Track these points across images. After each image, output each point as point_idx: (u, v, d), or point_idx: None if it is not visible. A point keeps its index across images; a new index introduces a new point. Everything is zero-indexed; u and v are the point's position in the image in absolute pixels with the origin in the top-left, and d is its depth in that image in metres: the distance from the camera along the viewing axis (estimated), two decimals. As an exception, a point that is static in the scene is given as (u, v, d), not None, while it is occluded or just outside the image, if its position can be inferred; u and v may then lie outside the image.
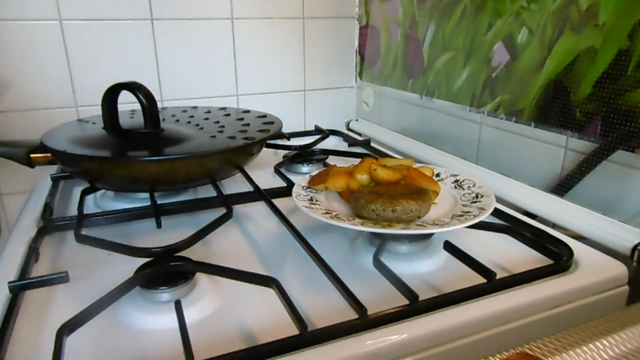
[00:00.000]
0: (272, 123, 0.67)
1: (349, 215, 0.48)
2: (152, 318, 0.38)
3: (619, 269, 0.44)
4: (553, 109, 0.57)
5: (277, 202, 0.56)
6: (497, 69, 0.65)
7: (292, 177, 0.64)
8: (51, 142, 0.57)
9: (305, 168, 0.73)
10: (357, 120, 1.04)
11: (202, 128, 0.65)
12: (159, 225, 0.51)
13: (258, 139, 0.59)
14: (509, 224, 0.52)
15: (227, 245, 0.51)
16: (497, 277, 0.40)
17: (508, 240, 0.49)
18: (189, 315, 0.37)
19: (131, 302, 0.39)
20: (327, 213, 0.47)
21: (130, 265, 0.42)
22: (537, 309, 0.40)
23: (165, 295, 0.39)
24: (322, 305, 0.39)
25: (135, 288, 0.39)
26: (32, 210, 0.58)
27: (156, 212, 0.53)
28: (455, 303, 0.38)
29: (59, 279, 0.41)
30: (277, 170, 0.69)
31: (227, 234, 0.53)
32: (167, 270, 0.41)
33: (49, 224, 0.53)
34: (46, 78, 0.78)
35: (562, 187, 0.58)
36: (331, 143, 0.90)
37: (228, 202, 0.54)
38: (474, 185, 0.53)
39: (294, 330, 0.34)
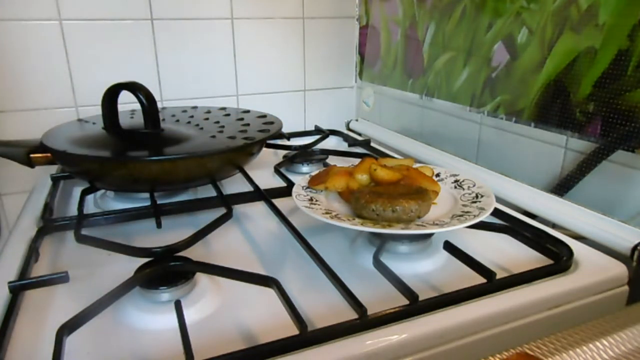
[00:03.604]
0: (272, 123, 0.67)
1: (349, 215, 0.48)
2: (152, 318, 0.38)
3: (619, 269, 0.44)
4: (553, 109, 0.57)
5: (277, 202, 0.56)
6: (497, 69, 0.65)
7: (292, 177, 0.64)
8: (51, 142, 0.57)
9: (305, 168, 0.73)
10: (357, 120, 1.04)
11: (202, 128, 0.65)
12: (159, 225, 0.51)
13: (258, 139, 0.59)
14: (509, 224, 0.52)
15: (227, 245, 0.51)
16: (497, 277, 0.40)
17: (508, 240, 0.49)
18: (189, 315, 0.37)
19: (131, 302, 0.39)
20: (327, 213, 0.47)
21: (130, 265, 0.42)
22: (537, 309, 0.40)
23: (165, 295, 0.39)
24: (322, 305, 0.39)
25: (135, 288, 0.39)
26: (32, 210, 0.58)
27: (156, 212, 0.53)
28: (455, 303, 0.38)
29: (59, 279, 0.41)
30: (277, 170, 0.69)
31: (227, 234, 0.53)
32: (167, 270, 0.41)
33: (49, 224, 0.53)
34: (46, 78, 0.78)
35: (562, 187, 0.58)
36: (331, 143, 0.90)
37: (228, 202, 0.54)
38: (474, 185, 0.53)
39: (294, 330, 0.34)
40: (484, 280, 0.41)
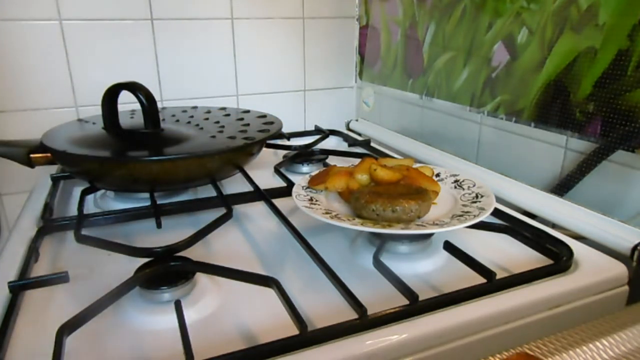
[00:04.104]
0: (272, 123, 0.67)
1: (349, 215, 0.48)
2: (152, 318, 0.38)
3: (619, 269, 0.44)
4: (553, 109, 0.57)
5: (277, 202, 0.56)
6: (497, 69, 0.65)
7: (292, 177, 0.64)
8: (51, 142, 0.57)
9: (305, 168, 0.73)
10: (357, 120, 1.04)
11: (202, 128, 0.65)
12: (159, 225, 0.51)
13: (258, 139, 0.59)
14: (509, 224, 0.52)
15: (227, 245, 0.51)
16: (497, 277, 0.40)
17: (508, 240, 0.49)
18: (189, 315, 0.37)
19: (131, 302, 0.39)
20: (327, 213, 0.47)
21: (130, 265, 0.42)
22: (537, 309, 0.40)
23: (165, 295, 0.39)
24: (322, 305, 0.39)
25: (135, 288, 0.39)
26: (32, 210, 0.58)
27: (156, 212, 0.53)
28: (455, 303, 0.38)
29: (59, 279, 0.41)
30: (277, 170, 0.69)
31: (227, 234, 0.53)
32: (167, 270, 0.41)
33: (49, 224, 0.53)
34: (46, 78, 0.78)
35: (562, 187, 0.58)
36: (331, 143, 0.90)
37: (228, 202, 0.54)
38: (474, 185, 0.53)
39: (294, 330, 0.34)
40: (484, 280, 0.41)
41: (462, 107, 0.72)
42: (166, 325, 0.37)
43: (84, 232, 0.48)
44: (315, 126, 0.97)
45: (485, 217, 0.45)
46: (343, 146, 0.89)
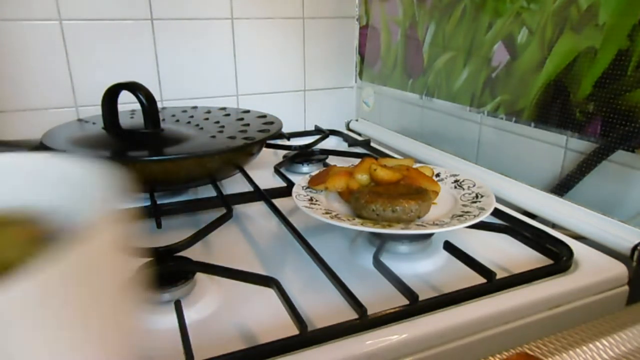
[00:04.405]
0: (272, 123, 0.67)
1: (349, 215, 0.48)
2: (152, 318, 0.38)
3: (619, 269, 0.44)
4: (553, 109, 0.57)
5: (277, 202, 0.56)
6: (497, 69, 0.65)
7: (292, 177, 0.64)
8: (51, 142, 0.57)
9: (305, 168, 0.73)
10: (357, 120, 1.04)
11: (202, 128, 0.65)
12: (158, 225, 0.51)
13: (258, 139, 0.59)
14: (509, 224, 0.52)
15: (227, 245, 0.51)
16: (497, 277, 0.40)
17: (508, 240, 0.49)
18: (189, 315, 0.37)
19: (131, 302, 0.39)
20: (327, 213, 0.47)
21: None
22: (537, 309, 0.40)
23: (166, 295, 0.39)
24: (322, 305, 0.39)
25: (135, 288, 0.39)
26: (32, 210, 0.57)
27: (156, 212, 0.53)
28: (455, 303, 0.38)
29: (59, 279, 0.41)
30: (277, 170, 0.69)
31: (227, 234, 0.53)
32: (167, 270, 0.41)
33: (49, 224, 0.53)
34: (46, 78, 0.78)
35: (562, 187, 0.58)
36: (331, 143, 0.90)
37: (228, 202, 0.54)
38: (473, 185, 0.53)
39: (294, 330, 0.34)
40: (484, 280, 0.41)
41: (462, 107, 0.72)
42: (166, 325, 0.37)
43: (84, 232, 0.47)
44: (315, 126, 0.97)
45: (485, 217, 0.45)
46: (343, 146, 0.89)
